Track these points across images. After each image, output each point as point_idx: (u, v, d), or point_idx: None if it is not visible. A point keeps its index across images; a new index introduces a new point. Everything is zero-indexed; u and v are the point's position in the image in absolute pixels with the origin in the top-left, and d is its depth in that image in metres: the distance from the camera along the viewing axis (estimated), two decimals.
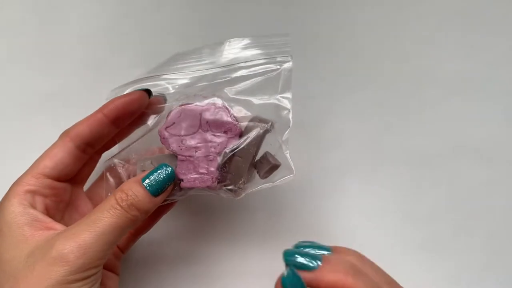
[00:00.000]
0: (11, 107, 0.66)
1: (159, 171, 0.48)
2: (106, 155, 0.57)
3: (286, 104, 0.51)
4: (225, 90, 0.51)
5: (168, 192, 0.49)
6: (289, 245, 0.45)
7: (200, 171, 0.50)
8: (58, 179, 0.51)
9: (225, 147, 0.50)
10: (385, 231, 0.64)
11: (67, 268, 0.43)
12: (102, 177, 0.56)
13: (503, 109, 0.68)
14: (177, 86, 0.52)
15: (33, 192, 0.48)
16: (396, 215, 0.64)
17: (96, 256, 0.44)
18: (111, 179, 0.53)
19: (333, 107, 0.67)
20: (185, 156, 0.50)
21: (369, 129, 0.67)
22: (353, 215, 0.64)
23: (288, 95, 0.51)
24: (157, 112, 0.53)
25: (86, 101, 0.65)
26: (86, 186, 0.57)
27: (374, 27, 0.69)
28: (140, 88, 0.52)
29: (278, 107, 0.51)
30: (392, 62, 0.69)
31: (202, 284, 0.63)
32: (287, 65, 0.51)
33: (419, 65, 0.69)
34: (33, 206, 0.48)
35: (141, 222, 0.49)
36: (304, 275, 0.40)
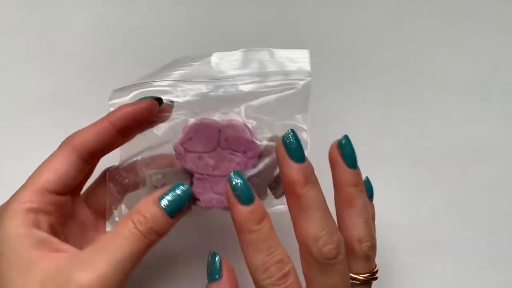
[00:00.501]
0: (11, 107, 0.66)
1: (177, 191, 0.45)
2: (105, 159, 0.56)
3: (303, 124, 0.50)
4: (242, 107, 0.49)
5: (184, 212, 0.46)
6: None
7: (218, 191, 0.48)
8: (60, 193, 0.47)
9: (244, 168, 0.48)
10: (385, 231, 0.63)
11: None
12: (99, 182, 0.53)
13: (503, 109, 0.68)
14: (188, 96, 0.50)
15: (36, 211, 0.44)
16: (396, 214, 0.64)
17: (115, 286, 0.42)
18: (114, 190, 0.50)
19: (333, 107, 0.67)
20: (202, 174, 0.48)
21: (369, 129, 0.67)
22: None
23: (305, 115, 0.50)
24: (164, 120, 0.50)
25: (86, 101, 0.66)
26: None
27: (374, 27, 0.69)
28: (149, 96, 0.49)
29: (296, 127, 0.49)
30: (392, 62, 0.69)
31: None
32: (305, 82, 0.49)
33: (419, 65, 0.69)
34: (37, 226, 0.44)
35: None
36: None
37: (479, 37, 0.70)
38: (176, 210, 0.45)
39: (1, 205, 0.46)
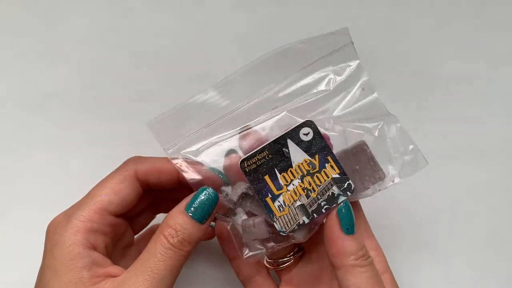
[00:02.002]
0: (11, 107, 0.66)
1: (202, 196, 0.44)
2: None
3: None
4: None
5: (213, 216, 0.46)
6: None
7: None
8: (119, 215, 0.47)
9: None
10: (385, 231, 0.63)
11: None
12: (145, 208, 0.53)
13: (503, 109, 0.68)
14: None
15: (95, 231, 0.45)
16: (396, 215, 0.64)
17: None
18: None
19: None
20: None
21: None
22: None
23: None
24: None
25: (86, 101, 0.66)
26: None
27: (374, 27, 0.69)
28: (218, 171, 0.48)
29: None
30: (392, 62, 0.69)
31: None
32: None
33: (420, 65, 0.69)
34: (94, 247, 0.44)
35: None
36: None
37: (479, 37, 0.70)
38: (205, 216, 0.44)
39: (60, 218, 0.46)
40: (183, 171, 0.47)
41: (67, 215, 0.45)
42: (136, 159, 0.48)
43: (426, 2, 0.69)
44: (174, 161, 0.47)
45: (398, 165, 0.48)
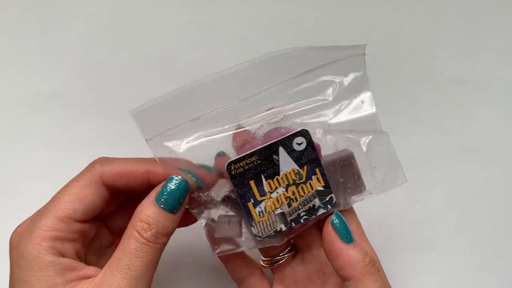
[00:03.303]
0: (11, 107, 0.65)
1: (171, 185, 0.43)
2: None
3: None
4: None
5: (186, 204, 0.45)
6: None
7: None
8: (86, 221, 0.46)
9: None
10: (385, 231, 0.63)
11: None
12: (120, 206, 0.51)
13: (503, 109, 0.69)
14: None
15: (61, 239, 0.43)
16: (396, 215, 0.64)
17: None
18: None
19: None
20: None
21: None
22: None
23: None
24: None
25: (86, 101, 0.66)
26: None
27: (374, 27, 0.69)
28: (194, 175, 0.46)
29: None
30: (393, 62, 0.69)
31: None
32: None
33: (420, 65, 0.69)
34: (62, 254, 0.43)
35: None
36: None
37: (479, 37, 0.70)
38: (176, 205, 0.43)
39: (23, 227, 0.44)
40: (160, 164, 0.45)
41: (31, 224, 0.44)
42: (103, 161, 0.46)
43: (426, 3, 0.70)
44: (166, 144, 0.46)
45: (379, 179, 0.48)
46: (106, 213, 0.49)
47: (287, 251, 0.52)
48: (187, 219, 0.50)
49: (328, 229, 0.44)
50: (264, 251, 0.52)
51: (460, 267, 0.63)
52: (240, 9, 0.68)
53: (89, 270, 0.43)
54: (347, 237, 0.44)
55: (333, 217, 0.44)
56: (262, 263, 0.53)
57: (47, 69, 0.67)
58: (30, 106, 0.66)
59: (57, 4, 0.67)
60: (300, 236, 0.49)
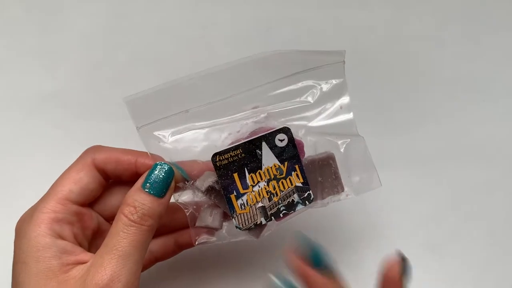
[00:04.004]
0: (11, 107, 0.66)
1: (156, 171, 0.45)
2: None
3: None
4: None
5: (172, 189, 0.46)
6: None
7: None
8: (82, 204, 0.47)
9: None
10: (385, 231, 0.63)
11: None
12: (106, 190, 0.51)
13: (503, 109, 0.69)
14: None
15: (60, 220, 0.44)
16: (396, 215, 0.64)
17: (130, 280, 0.43)
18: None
19: None
20: None
21: (369, 130, 0.66)
22: (353, 215, 0.63)
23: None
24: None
25: (86, 101, 0.66)
26: None
27: (374, 27, 0.70)
28: (182, 170, 0.48)
29: None
30: (393, 62, 0.70)
31: None
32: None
33: (419, 65, 0.70)
34: (61, 237, 0.44)
35: (155, 229, 0.46)
36: None
37: (479, 37, 0.71)
38: (162, 190, 0.45)
39: (26, 213, 0.46)
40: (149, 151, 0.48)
41: (32, 209, 0.45)
42: (95, 148, 0.49)
43: (426, 2, 0.70)
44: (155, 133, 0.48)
45: (355, 182, 0.50)
46: (99, 195, 0.50)
47: None
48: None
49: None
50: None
51: (460, 267, 0.63)
52: (240, 9, 0.70)
53: (86, 255, 0.44)
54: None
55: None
56: None
57: (47, 69, 0.68)
58: (30, 106, 0.66)
59: (57, 4, 0.69)
60: None
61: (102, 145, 0.49)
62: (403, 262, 0.44)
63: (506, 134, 0.68)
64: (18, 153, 0.65)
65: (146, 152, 0.48)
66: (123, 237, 0.43)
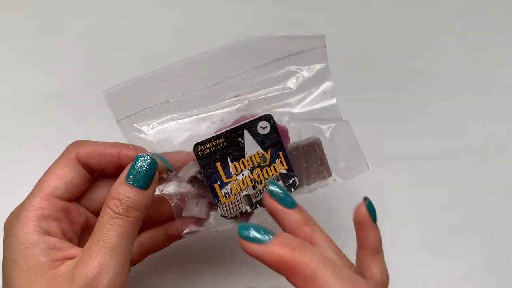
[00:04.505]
0: (11, 107, 0.67)
1: (138, 164, 0.45)
2: None
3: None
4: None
5: (157, 181, 0.46)
6: None
7: None
8: (69, 199, 0.47)
9: None
10: (385, 231, 0.63)
11: None
12: (92, 184, 0.51)
13: (503, 109, 0.68)
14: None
15: (47, 217, 0.44)
16: (396, 215, 0.64)
17: (118, 271, 0.43)
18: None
19: None
20: None
21: (369, 129, 0.66)
22: (351, 215, 0.63)
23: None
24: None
25: (86, 101, 0.66)
26: None
27: (374, 27, 0.70)
28: (164, 160, 0.47)
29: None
30: (393, 62, 0.69)
31: None
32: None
33: (420, 65, 0.70)
34: (49, 233, 0.44)
35: (141, 221, 0.46)
36: (253, 247, 0.41)
37: (479, 37, 0.70)
38: (146, 181, 0.45)
39: (13, 212, 0.46)
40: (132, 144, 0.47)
41: (19, 208, 0.45)
42: (78, 143, 0.48)
43: (426, 2, 0.70)
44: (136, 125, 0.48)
45: (342, 166, 0.50)
46: (85, 190, 0.50)
47: None
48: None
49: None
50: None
51: (460, 267, 0.62)
52: (240, 9, 0.70)
53: (75, 250, 0.44)
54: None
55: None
56: None
57: (47, 69, 0.68)
58: (30, 106, 0.67)
59: (57, 4, 0.69)
60: None
61: (86, 139, 0.49)
62: (366, 201, 0.45)
63: (506, 134, 0.68)
64: (17, 153, 0.65)
65: (129, 144, 0.47)
66: (109, 229, 0.43)
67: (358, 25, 0.70)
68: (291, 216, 0.44)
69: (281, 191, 0.44)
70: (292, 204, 0.44)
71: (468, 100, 0.69)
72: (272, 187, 0.44)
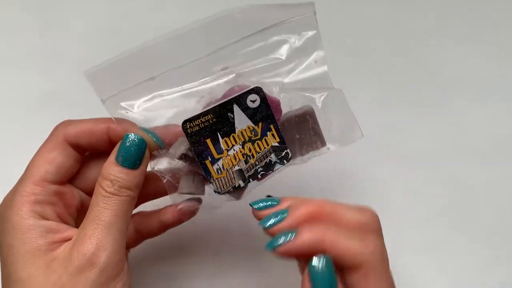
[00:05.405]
0: (11, 107, 0.67)
1: (127, 144, 0.45)
2: None
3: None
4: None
5: (148, 159, 0.46)
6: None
7: None
8: (61, 183, 0.47)
9: None
10: (385, 231, 0.62)
11: (95, 270, 0.42)
12: (83, 164, 0.50)
13: (503, 109, 0.68)
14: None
15: (41, 202, 0.44)
16: (396, 215, 0.63)
17: (115, 248, 0.43)
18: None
19: None
20: None
21: (369, 130, 0.65)
22: None
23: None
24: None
25: (86, 101, 0.65)
26: None
27: (374, 27, 0.70)
28: (154, 136, 0.47)
29: None
30: (393, 62, 0.70)
31: None
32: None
33: (420, 65, 0.70)
34: (44, 217, 0.44)
35: (136, 199, 0.46)
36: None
37: (479, 37, 0.71)
38: (135, 161, 0.45)
39: (6, 197, 0.46)
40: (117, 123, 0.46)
41: (12, 193, 0.45)
42: (65, 123, 0.48)
43: (427, 2, 0.71)
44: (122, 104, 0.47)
45: (336, 134, 0.48)
46: (75, 171, 0.49)
47: None
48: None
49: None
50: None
51: (460, 267, 0.61)
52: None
53: (72, 231, 0.45)
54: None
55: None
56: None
57: (47, 69, 0.69)
58: (30, 106, 0.67)
59: (56, 4, 0.70)
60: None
61: (72, 119, 0.49)
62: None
63: (506, 134, 0.67)
64: (17, 153, 0.63)
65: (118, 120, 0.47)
66: (104, 208, 0.43)
67: (358, 23, 0.70)
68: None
69: (262, 205, 0.43)
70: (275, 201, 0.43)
71: (468, 100, 0.69)
72: (254, 206, 0.43)
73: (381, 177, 0.64)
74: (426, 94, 0.68)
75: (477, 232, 0.63)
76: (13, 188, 0.46)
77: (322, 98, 0.48)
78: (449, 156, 0.66)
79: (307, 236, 0.39)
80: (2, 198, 0.46)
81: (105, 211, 0.43)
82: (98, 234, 0.42)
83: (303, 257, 0.40)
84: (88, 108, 0.64)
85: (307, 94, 0.48)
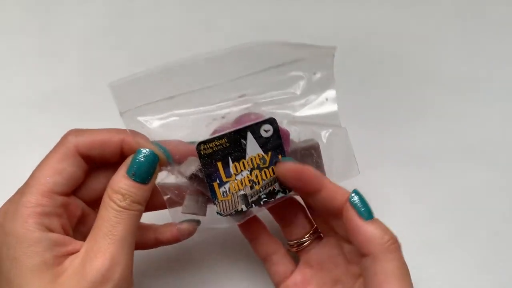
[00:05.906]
0: (12, 107, 0.67)
1: (140, 158, 0.45)
2: None
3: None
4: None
5: (157, 174, 0.46)
6: None
7: None
8: (68, 194, 0.46)
9: None
10: None
11: (110, 286, 0.42)
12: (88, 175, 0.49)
13: (503, 109, 0.69)
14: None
15: (48, 214, 0.43)
16: (396, 215, 0.63)
17: (128, 263, 0.43)
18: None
19: None
20: None
21: (369, 130, 0.67)
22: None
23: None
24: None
25: (86, 101, 0.67)
26: None
27: (374, 27, 0.71)
28: (166, 152, 0.47)
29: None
30: (392, 62, 0.70)
31: None
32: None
33: (419, 65, 0.70)
34: (50, 229, 0.43)
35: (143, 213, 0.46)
36: None
37: (479, 37, 0.71)
38: (147, 176, 0.45)
39: (6, 208, 0.44)
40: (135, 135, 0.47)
41: (14, 203, 0.43)
42: (75, 132, 0.47)
43: (427, 2, 0.71)
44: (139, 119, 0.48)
45: (335, 170, 0.51)
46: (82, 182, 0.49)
47: (311, 233, 0.54)
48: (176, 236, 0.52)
49: (347, 207, 0.46)
50: (289, 235, 0.54)
51: (460, 267, 0.62)
52: (240, 9, 0.71)
53: (77, 244, 0.44)
54: (367, 215, 0.46)
55: (352, 194, 0.46)
56: (289, 248, 0.55)
57: (47, 69, 0.68)
58: (30, 106, 0.67)
59: (57, 4, 0.70)
60: (323, 221, 0.52)
61: (81, 128, 0.48)
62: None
63: (506, 134, 0.68)
64: (17, 152, 0.65)
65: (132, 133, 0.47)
66: (117, 222, 0.43)
67: (357, 25, 0.71)
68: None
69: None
70: None
71: (468, 100, 0.69)
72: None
73: (381, 177, 0.64)
74: (426, 94, 0.69)
75: (477, 232, 0.64)
76: (14, 198, 0.45)
77: (327, 134, 0.51)
78: (449, 156, 0.67)
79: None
80: (2, 198, 0.45)
81: (118, 225, 0.43)
82: (113, 249, 0.42)
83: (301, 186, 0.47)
84: (88, 108, 0.66)
85: (314, 129, 0.51)
